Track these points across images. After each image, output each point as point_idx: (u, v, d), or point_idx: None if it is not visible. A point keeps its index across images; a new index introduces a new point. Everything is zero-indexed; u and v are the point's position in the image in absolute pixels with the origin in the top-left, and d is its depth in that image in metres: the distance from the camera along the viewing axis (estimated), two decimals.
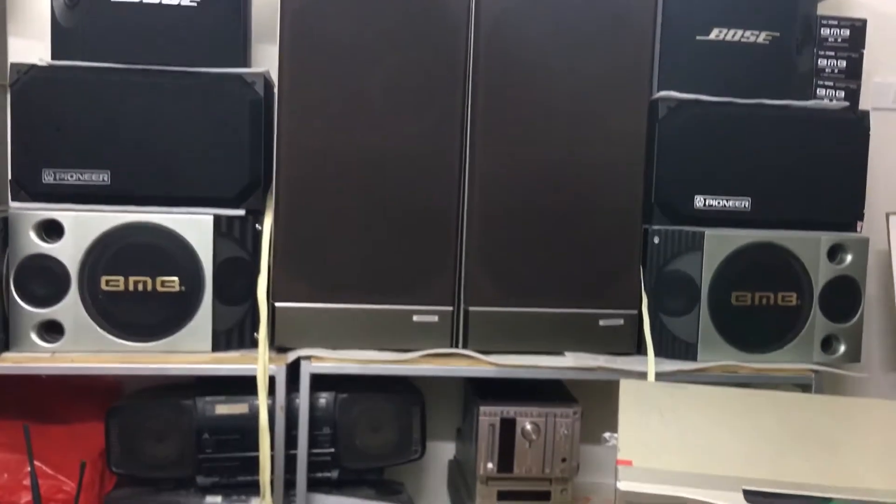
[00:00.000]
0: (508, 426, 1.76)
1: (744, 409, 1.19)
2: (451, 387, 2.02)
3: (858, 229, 1.81)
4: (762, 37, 1.77)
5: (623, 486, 0.90)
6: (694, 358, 1.76)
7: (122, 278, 1.64)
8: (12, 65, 1.63)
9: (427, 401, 1.85)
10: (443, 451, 2.05)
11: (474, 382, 1.87)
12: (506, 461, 1.76)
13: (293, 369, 1.68)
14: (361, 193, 1.69)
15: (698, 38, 1.76)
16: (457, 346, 1.75)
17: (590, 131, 1.73)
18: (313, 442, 1.71)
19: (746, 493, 0.87)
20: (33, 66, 1.62)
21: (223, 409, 1.69)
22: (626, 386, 1.30)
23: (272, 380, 1.65)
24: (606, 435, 1.06)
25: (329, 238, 1.69)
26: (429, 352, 1.72)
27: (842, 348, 1.79)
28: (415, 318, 1.73)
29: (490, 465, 1.75)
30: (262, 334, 1.66)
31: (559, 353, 1.76)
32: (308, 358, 1.67)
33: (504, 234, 1.73)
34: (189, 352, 1.67)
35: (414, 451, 1.79)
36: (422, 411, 1.80)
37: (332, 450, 1.73)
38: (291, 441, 1.68)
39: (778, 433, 1.10)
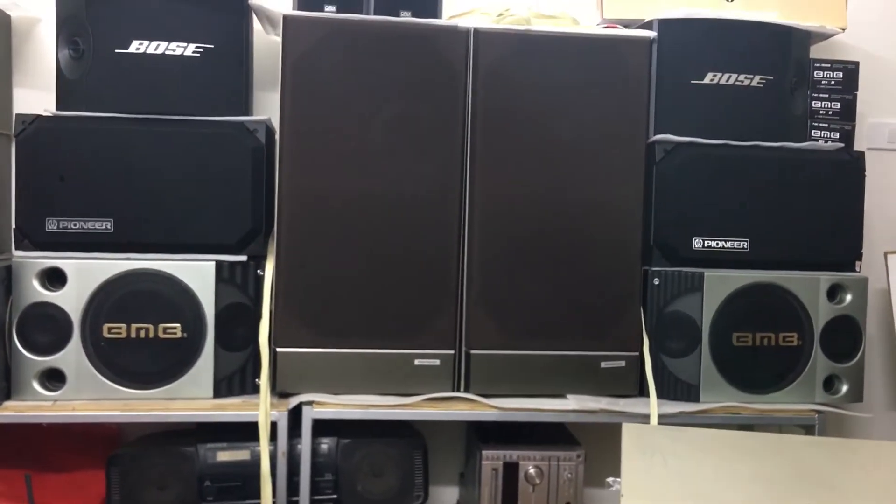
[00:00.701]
0: (511, 470, 1.75)
1: (746, 453, 1.18)
2: (453, 430, 2.01)
3: (857, 269, 1.82)
4: (756, 80, 1.80)
5: None
6: (696, 399, 1.76)
7: (124, 325, 1.64)
8: (18, 115, 1.65)
9: (429, 445, 1.84)
10: (446, 496, 2.04)
11: (476, 426, 1.86)
12: None
13: (295, 415, 1.68)
14: (362, 238, 1.70)
15: (693, 82, 1.79)
16: (458, 390, 1.75)
17: (588, 175, 1.75)
18: (315, 488, 1.70)
19: None
20: (38, 117, 1.65)
21: (225, 455, 1.68)
22: (628, 430, 1.29)
23: (274, 426, 1.64)
24: (610, 480, 1.06)
25: (330, 283, 1.70)
26: (430, 396, 1.72)
27: (844, 388, 1.79)
28: (416, 361, 1.73)
29: None
30: (264, 380, 1.66)
31: (561, 395, 1.76)
32: (310, 403, 1.67)
33: (505, 277, 1.74)
34: (191, 398, 1.66)
35: (416, 496, 1.78)
36: (424, 456, 1.79)
37: (335, 496, 1.72)
38: (293, 488, 1.67)
39: (780, 477, 1.09)
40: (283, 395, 1.71)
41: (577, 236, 1.75)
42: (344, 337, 1.71)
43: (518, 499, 1.74)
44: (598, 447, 1.83)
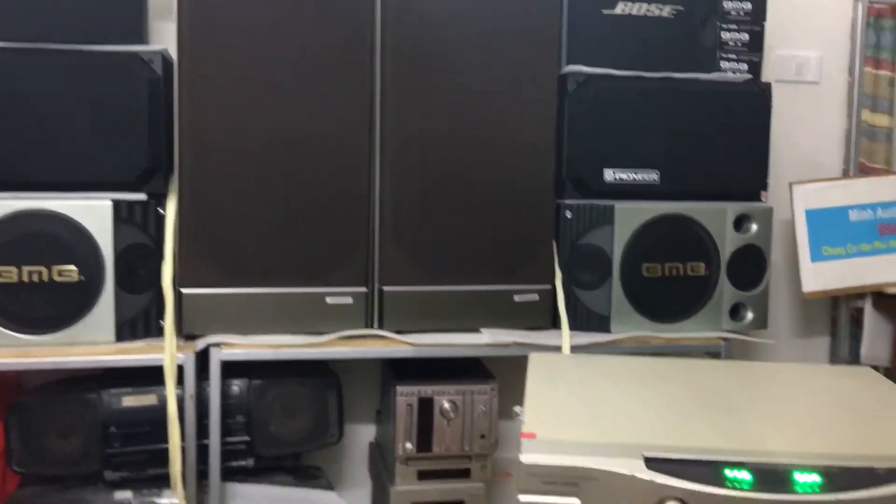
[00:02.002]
0: (426, 405, 1.75)
1: (652, 378, 1.20)
2: (369, 369, 2.00)
3: (763, 199, 1.85)
4: (667, 10, 1.78)
5: (525, 458, 0.89)
6: (607, 330, 1.78)
7: (14, 269, 1.56)
8: None
9: (345, 384, 1.83)
10: (363, 435, 2.03)
11: (392, 363, 1.85)
12: (425, 440, 1.75)
13: (203, 357, 1.63)
14: (269, 175, 1.64)
15: (604, 11, 1.76)
16: (372, 328, 1.73)
17: (500, 108, 1.72)
18: (227, 430, 1.67)
19: (647, 460, 0.87)
20: None
21: (130, 401, 1.63)
22: (535, 359, 1.30)
23: (181, 369, 1.60)
24: (516, 409, 1.06)
25: (236, 221, 1.64)
26: (343, 334, 1.70)
27: (749, 316, 1.83)
28: (328, 300, 1.70)
29: (409, 446, 1.74)
30: (169, 322, 1.61)
31: (475, 330, 1.76)
32: (218, 345, 1.63)
33: (417, 213, 1.71)
34: (91, 343, 1.60)
35: (331, 435, 1.76)
36: (338, 395, 1.77)
37: (247, 438, 1.69)
38: (204, 431, 1.64)
39: (684, 400, 1.11)
40: (191, 338, 1.66)
41: (490, 170, 1.73)
42: (252, 276, 1.66)
43: (433, 433, 1.75)
44: (511, 380, 1.84)
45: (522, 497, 0.89)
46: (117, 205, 1.60)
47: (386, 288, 1.72)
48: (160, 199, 1.65)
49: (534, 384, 1.13)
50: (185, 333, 1.65)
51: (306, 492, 1.70)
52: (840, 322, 2.04)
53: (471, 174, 1.72)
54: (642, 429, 0.99)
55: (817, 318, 2.10)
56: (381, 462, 1.90)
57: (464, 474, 1.79)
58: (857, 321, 1.98)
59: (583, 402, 1.08)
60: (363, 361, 1.97)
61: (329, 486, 1.77)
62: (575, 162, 1.77)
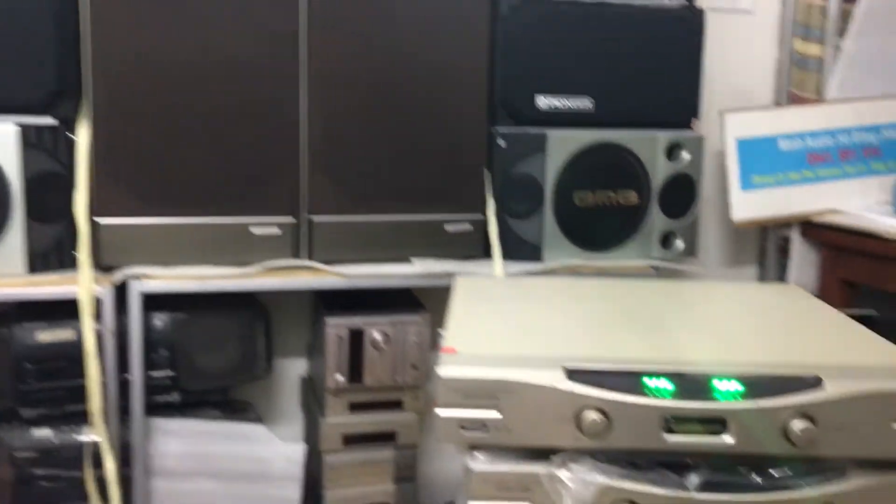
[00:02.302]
0: (357, 337, 1.72)
1: (578, 296, 1.19)
2: (298, 302, 1.96)
3: (695, 128, 1.85)
4: None
5: (443, 372, 0.88)
6: (539, 259, 1.77)
7: None
8: None
9: (274, 317, 1.79)
10: (294, 369, 2.00)
11: (321, 295, 1.81)
12: (355, 372, 1.73)
13: (122, 290, 1.57)
14: (190, 101, 1.56)
15: None
16: (301, 259, 1.68)
17: (432, 32, 1.67)
18: (150, 365, 1.62)
19: (567, 372, 0.86)
20: None
21: (45, 335, 1.56)
22: (461, 282, 1.27)
23: (99, 302, 1.53)
24: (440, 330, 1.03)
25: (154, 148, 1.56)
26: (270, 265, 1.65)
27: (679, 244, 1.84)
28: (254, 230, 1.65)
29: (339, 378, 1.72)
30: (84, 253, 1.53)
31: (407, 260, 1.73)
32: (137, 277, 1.57)
33: (345, 140, 1.66)
34: (1, 276, 1.52)
35: (260, 368, 1.73)
36: (266, 328, 1.73)
37: (171, 372, 1.64)
38: (126, 366, 1.58)
39: (609, 316, 1.11)
40: (108, 270, 1.59)
41: (422, 97, 1.68)
42: (173, 206, 1.60)
43: (364, 365, 1.73)
44: (443, 311, 1.81)
45: (441, 411, 0.88)
46: (25, 129, 1.51)
47: (314, 217, 1.67)
48: (71, 125, 1.56)
49: (458, 304, 1.11)
50: (103, 265, 1.58)
51: (234, 426, 1.66)
52: (768, 251, 2.07)
53: (401, 101, 1.67)
54: (564, 342, 0.98)
55: (746, 247, 2.13)
56: (312, 395, 1.88)
57: (396, 405, 1.77)
58: (784, 250, 2.01)
59: (506, 319, 1.06)
60: (292, 294, 1.92)
61: (258, 420, 1.73)
62: (508, 88, 1.74)
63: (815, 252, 1.94)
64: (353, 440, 1.76)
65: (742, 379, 0.87)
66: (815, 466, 0.90)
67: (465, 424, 0.87)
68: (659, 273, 1.80)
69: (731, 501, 0.88)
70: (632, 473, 0.87)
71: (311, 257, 1.68)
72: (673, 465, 0.88)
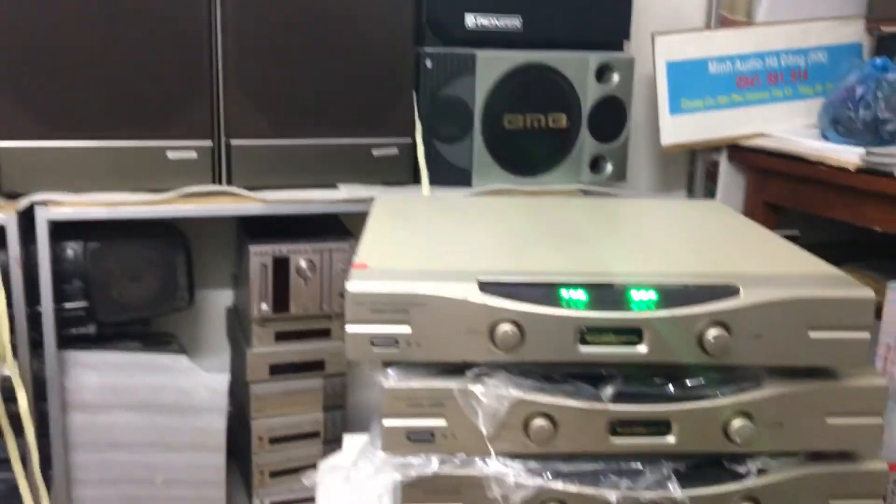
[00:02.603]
0: (282, 265, 1.67)
1: (500, 213, 1.16)
2: (222, 230, 1.90)
3: (625, 49, 1.82)
4: None
5: (352, 287, 0.84)
6: (469, 184, 1.74)
7: None
8: None
9: (197, 247, 1.73)
10: (219, 300, 1.95)
11: (245, 223, 1.76)
12: (281, 301, 1.69)
13: (28, 218, 1.49)
14: (95, 15, 1.47)
15: None
16: (220, 184, 1.62)
17: None
18: (63, 296, 1.55)
19: (481, 284, 0.84)
20: None
21: None
22: (380, 201, 1.23)
23: (2, 231, 1.45)
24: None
25: (60, 64, 1.47)
26: (186, 190, 1.58)
27: (609, 168, 1.83)
28: (169, 154, 1.57)
29: (265, 307, 1.68)
30: None
31: (332, 186, 1.68)
32: (44, 203, 1.49)
33: (267, 60, 1.58)
34: None
35: (181, 299, 1.67)
36: (186, 256, 1.67)
37: (85, 304, 1.58)
38: (38, 298, 1.51)
39: (529, 231, 1.09)
40: (13, 196, 1.50)
41: (347, 14, 1.61)
42: (82, 128, 1.51)
43: (290, 293, 1.69)
44: None
45: (350, 327, 0.85)
46: None
47: (234, 141, 1.60)
48: None
49: (374, 222, 1.07)
50: (6, 192, 1.50)
51: (153, 357, 1.61)
52: (696, 177, 2.07)
53: (326, 19, 1.60)
54: (481, 257, 0.95)
55: (675, 172, 2.13)
56: (238, 326, 1.84)
57: (324, 334, 1.75)
58: (712, 175, 2.01)
59: (422, 235, 1.03)
60: (215, 222, 1.86)
61: (181, 352, 1.69)
62: (435, 6, 1.68)
63: (741, 176, 1.95)
64: (280, 370, 1.73)
65: (658, 288, 0.85)
66: (729, 376, 0.90)
67: (375, 340, 0.84)
68: (588, 197, 1.78)
69: (646, 412, 0.88)
70: (546, 386, 0.86)
71: (230, 183, 1.62)
72: (588, 377, 0.88)
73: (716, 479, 0.90)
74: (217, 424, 1.65)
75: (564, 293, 0.84)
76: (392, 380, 0.85)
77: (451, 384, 0.86)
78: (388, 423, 0.86)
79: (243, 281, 1.74)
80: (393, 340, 0.84)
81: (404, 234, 1.04)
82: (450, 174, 1.74)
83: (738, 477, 0.90)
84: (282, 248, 1.67)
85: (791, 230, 1.73)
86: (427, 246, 0.99)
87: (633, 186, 2.02)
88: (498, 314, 0.84)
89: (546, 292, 0.84)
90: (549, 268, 0.89)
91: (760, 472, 0.90)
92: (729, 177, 1.95)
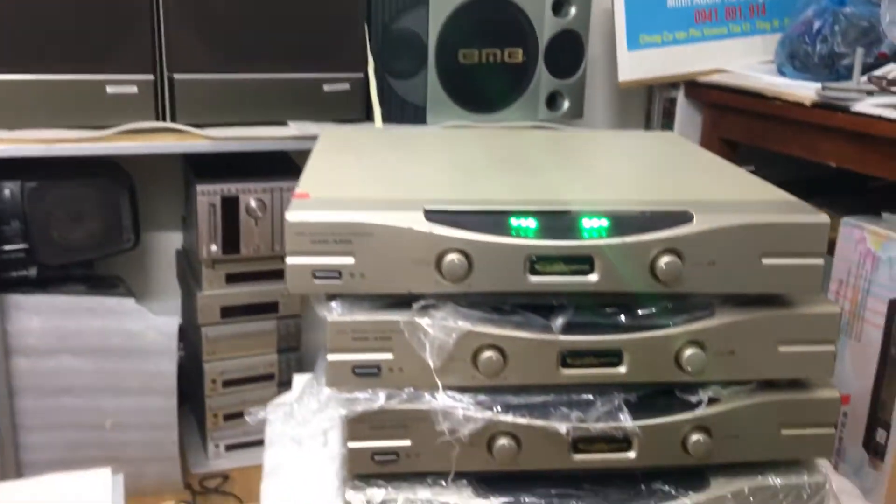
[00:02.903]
0: (231, 205, 1.63)
1: (451, 144, 1.13)
2: (170, 171, 1.84)
3: None
4: None
5: (292, 217, 0.81)
6: (423, 121, 1.69)
7: None
8: None
9: (144, 188, 1.68)
10: (169, 242, 1.90)
11: (192, 162, 1.70)
12: (231, 242, 1.64)
13: None
14: None
15: None
16: (164, 120, 1.56)
17: None
18: (1, 238, 1.49)
19: (427, 213, 0.81)
20: None
21: None
22: (326, 132, 1.19)
23: None
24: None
25: None
26: (127, 127, 1.51)
27: (566, 104, 1.79)
28: (109, 89, 1.50)
29: (214, 248, 1.63)
30: None
31: (283, 123, 1.62)
32: None
33: None
34: None
35: (126, 240, 1.62)
36: (131, 196, 1.62)
37: (25, 245, 1.52)
38: None
39: (480, 161, 1.05)
40: None
41: None
42: (14, 61, 1.44)
43: (240, 233, 1.64)
44: None
45: (290, 259, 0.81)
46: None
47: (177, 76, 1.54)
48: None
49: (319, 153, 1.03)
50: None
51: (99, 299, 1.57)
52: (654, 114, 2.05)
53: None
54: (428, 186, 0.92)
55: (632, 110, 2.10)
56: (188, 268, 1.79)
57: (276, 275, 1.71)
58: (669, 113, 1.99)
59: (368, 166, 1.00)
60: (162, 162, 1.80)
61: (129, 295, 1.64)
62: None
63: (698, 112, 1.93)
64: (232, 312, 1.70)
65: (609, 215, 0.83)
66: (681, 305, 0.88)
67: (317, 272, 0.81)
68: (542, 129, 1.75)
69: (597, 342, 0.86)
70: (495, 318, 0.84)
71: (174, 120, 1.56)
72: (538, 308, 0.86)
73: (667, 408, 0.89)
74: (168, 368, 1.61)
75: (514, 221, 0.82)
76: (335, 313, 0.83)
77: (398, 316, 0.83)
78: (333, 357, 0.83)
79: (192, 222, 1.69)
80: (336, 272, 0.81)
81: (349, 164, 1.00)
82: (404, 111, 1.69)
83: (689, 406, 0.89)
84: (230, 188, 1.62)
85: (747, 166, 1.71)
86: (373, 176, 0.95)
87: (590, 124, 2.00)
88: (445, 243, 0.81)
89: (495, 221, 0.81)
90: (499, 197, 0.86)
91: (712, 401, 0.90)
92: (686, 113, 1.93)
